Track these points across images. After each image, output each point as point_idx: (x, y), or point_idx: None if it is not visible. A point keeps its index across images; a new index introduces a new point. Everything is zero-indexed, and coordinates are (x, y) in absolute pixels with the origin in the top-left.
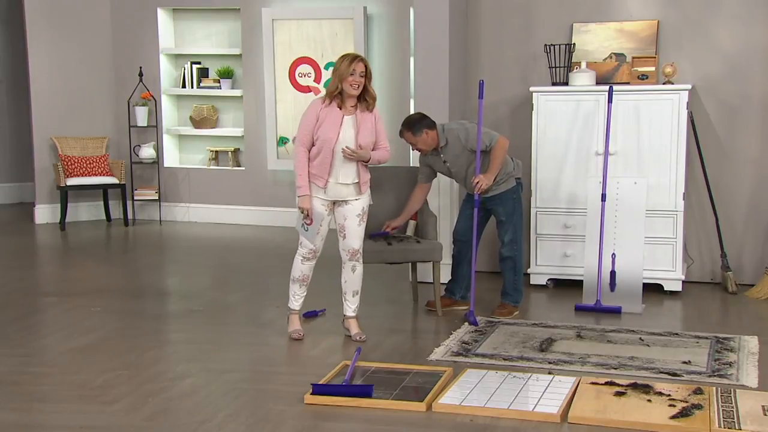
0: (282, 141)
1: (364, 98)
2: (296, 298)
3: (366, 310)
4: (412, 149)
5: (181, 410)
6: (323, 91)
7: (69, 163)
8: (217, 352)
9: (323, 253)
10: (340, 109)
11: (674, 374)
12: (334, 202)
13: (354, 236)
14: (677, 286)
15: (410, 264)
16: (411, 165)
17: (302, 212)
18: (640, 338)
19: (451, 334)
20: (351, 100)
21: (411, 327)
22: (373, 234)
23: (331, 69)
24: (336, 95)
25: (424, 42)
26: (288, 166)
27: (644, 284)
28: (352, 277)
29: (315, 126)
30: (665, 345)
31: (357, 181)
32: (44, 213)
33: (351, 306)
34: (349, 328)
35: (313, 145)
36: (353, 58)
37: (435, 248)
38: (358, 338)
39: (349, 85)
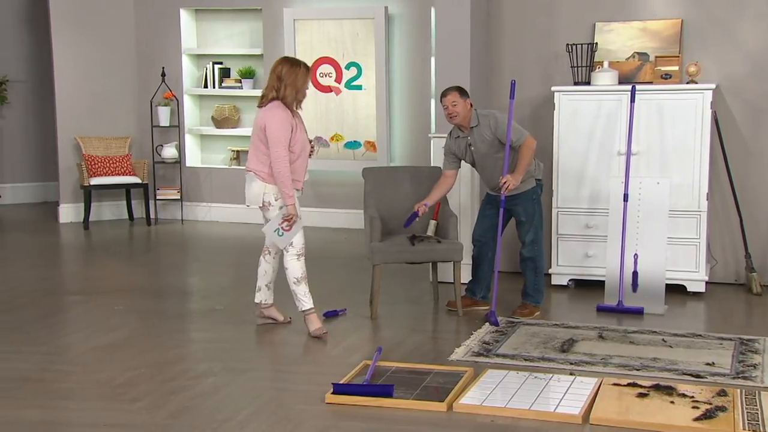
0: None
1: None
2: (308, 297)
3: (387, 310)
4: (447, 116)
5: (203, 409)
6: (261, 98)
7: (92, 163)
8: (239, 351)
9: (345, 254)
10: (293, 115)
11: (698, 376)
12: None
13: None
14: (700, 287)
15: (431, 264)
16: (432, 165)
17: (287, 219)
18: (663, 339)
19: (472, 334)
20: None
21: (432, 327)
22: (405, 223)
23: (352, 69)
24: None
25: (445, 42)
26: (311, 166)
27: (667, 285)
28: (273, 267)
29: (291, 133)
30: (688, 346)
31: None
32: (68, 212)
33: (269, 295)
34: (275, 317)
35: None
36: (306, 68)
37: (456, 248)
38: (287, 321)
39: (302, 95)
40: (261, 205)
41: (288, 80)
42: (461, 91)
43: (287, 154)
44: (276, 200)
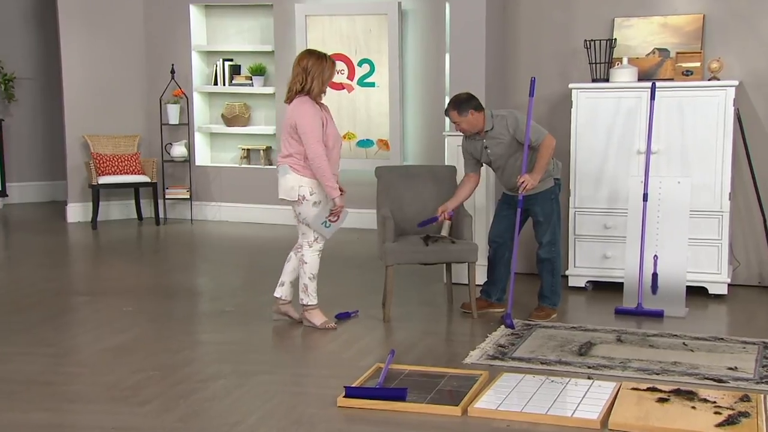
0: None
1: None
2: (315, 294)
3: (400, 312)
4: (456, 129)
5: (213, 412)
6: (287, 92)
7: (101, 162)
8: (249, 353)
9: (357, 254)
10: (321, 108)
11: (720, 380)
12: None
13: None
14: (722, 290)
15: (445, 265)
16: (446, 164)
17: (335, 212)
18: (684, 343)
19: (487, 336)
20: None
21: (446, 329)
22: (420, 223)
23: (365, 66)
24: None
25: (459, 38)
26: None
27: (688, 287)
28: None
29: (323, 128)
30: (710, 350)
31: None
32: (76, 211)
33: (290, 291)
34: (290, 314)
35: None
36: (333, 62)
37: (470, 249)
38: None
39: (325, 88)
40: (295, 199)
41: (315, 73)
42: (459, 108)
43: (324, 149)
44: (311, 195)
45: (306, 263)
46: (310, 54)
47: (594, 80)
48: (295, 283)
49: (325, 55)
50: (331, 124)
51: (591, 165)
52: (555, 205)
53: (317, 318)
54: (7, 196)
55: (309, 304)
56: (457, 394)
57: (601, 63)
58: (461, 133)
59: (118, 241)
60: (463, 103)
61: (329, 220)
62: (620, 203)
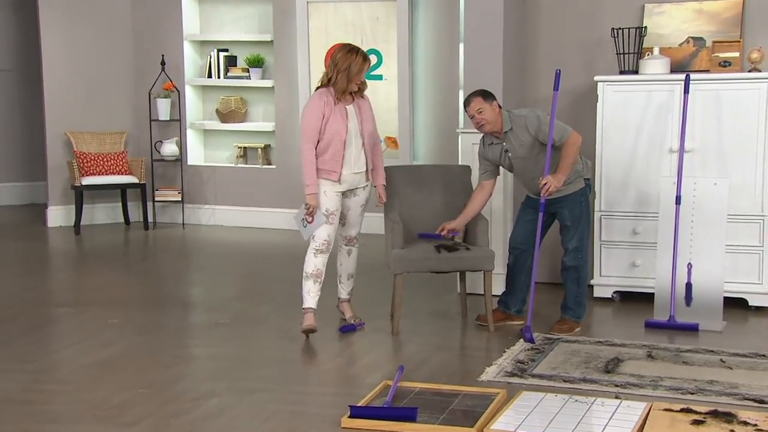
0: None
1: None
2: (311, 295)
3: (409, 325)
4: (475, 125)
5: None
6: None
7: (84, 161)
8: (246, 369)
9: (364, 261)
10: (340, 101)
11: (761, 401)
12: (343, 193)
13: (355, 225)
14: (764, 301)
15: (458, 273)
16: (461, 163)
17: (307, 208)
18: (721, 359)
19: (505, 351)
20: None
21: (459, 344)
22: (422, 234)
23: (372, 57)
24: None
25: (475, 27)
26: None
27: (725, 298)
28: (348, 260)
29: (322, 122)
30: (751, 368)
31: (365, 169)
32: (57, 215)
33: (346, 289)
34: (344, 312)
35: (318, 141)
36: (363, 57)
37: (486, 256)
38: (353, 321)
39: (354, 84)
40: None
41: (341, 66)
42: (485, 95)
43: (310, 147)
44: (323, 193)
45: (304, 262)
46: (343, 47)
47: (622, 72)
48: (342, 279)
49: (356, 49)
50: (336, 120)
51: (618, 165)
52: (584, 208)
53: (304, 321)
54: None
55: (303, 305)
56: (472, 414)
57: (630, 53)
58: (479, 131)
59: (104, 247)
60: (488, 92)
61: (305, 220)
62: (651, 206)
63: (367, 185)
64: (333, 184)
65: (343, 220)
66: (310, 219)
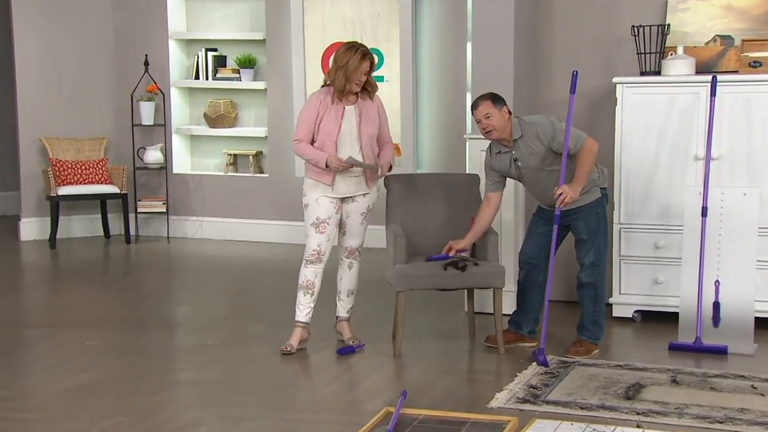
0: None
1: (365, 87)
2: (300, 309)
3: (413, 347)
4: (482, 131)
5: None
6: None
7: (61, 169)
8: (235, 395)
9: (363, 278)
10: (340, 100)
11: None
12: (342, 200)
13: (355, 234)
14: None
15: (466, 291)
16: (468, 172)
17: (338, 168)
18: (753, 386)
19: (516, 376)
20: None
21: (467, 367)
22: (430, 258)
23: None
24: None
25: (484, 24)
26: None
27: (757, 319)
28: (348, 275)
29: (315, 121)
30: None
31: (360, 174)
32: (31, 228)
33: (345, 306)
34: (342, 332)
35: (312, 141)
36: (363, 54)
37: (496, 272)
38: (352, 342)
39: (354, 84)
40: (306, 204)
41: (339, 63)
42: (495, 99)
43: (303, 143)
44: (303, 196)
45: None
46: (343, 44)
47: (643, 73)
48: (341, 297)
49: (357, 46)
50: (329, 121)
51: (639, 173)
52: (601, 220)
53: (291, 337)
54: None
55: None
56: None
57: (652, 53)
58: (486, 138)
59: (82, 262)
60: (498, 96)
61: (355, 164)
62: (674, 219)
63: (368, 193)
64: (326, 189)
65: (343, 228)
66: (353, 163)
